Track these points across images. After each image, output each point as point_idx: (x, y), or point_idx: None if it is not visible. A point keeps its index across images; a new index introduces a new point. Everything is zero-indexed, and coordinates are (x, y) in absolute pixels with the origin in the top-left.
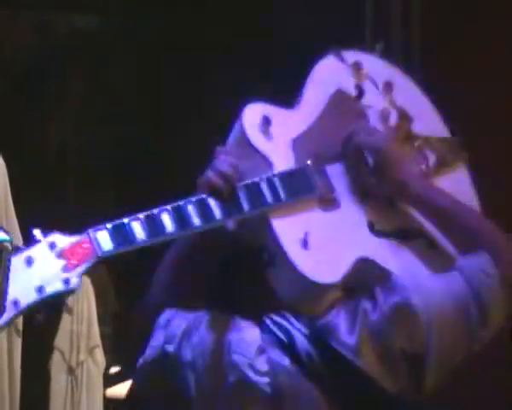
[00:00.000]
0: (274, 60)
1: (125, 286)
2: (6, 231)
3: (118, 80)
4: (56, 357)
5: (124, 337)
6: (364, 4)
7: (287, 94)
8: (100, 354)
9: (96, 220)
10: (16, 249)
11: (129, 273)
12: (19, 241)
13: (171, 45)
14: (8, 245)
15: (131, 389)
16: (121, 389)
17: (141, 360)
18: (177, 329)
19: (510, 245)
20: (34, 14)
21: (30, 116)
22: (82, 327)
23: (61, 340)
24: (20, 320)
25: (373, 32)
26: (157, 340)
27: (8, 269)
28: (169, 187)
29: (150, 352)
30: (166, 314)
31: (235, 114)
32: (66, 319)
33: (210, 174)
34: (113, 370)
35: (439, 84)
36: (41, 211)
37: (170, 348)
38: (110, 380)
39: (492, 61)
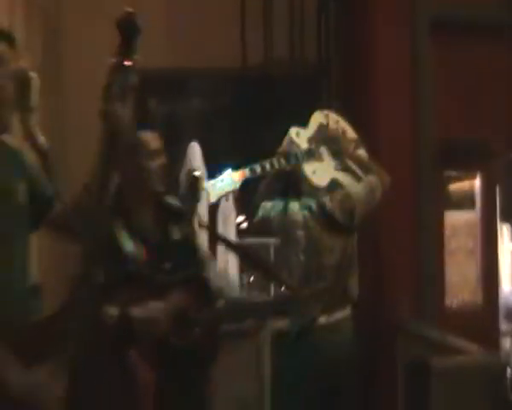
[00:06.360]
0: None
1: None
2: (197, 171)
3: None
4: None
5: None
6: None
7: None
8: None
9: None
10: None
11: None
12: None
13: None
14: (201, 177)
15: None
16: None
17: (253, 220)
18: (269, 210)
19: (386, 176)
20: None
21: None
22: None
23: None
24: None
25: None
26: (260, 213)
27: (200, 193)
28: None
29: (257, 217)
30: (264, 204)
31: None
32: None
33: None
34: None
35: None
36: None
37: (266, 214)
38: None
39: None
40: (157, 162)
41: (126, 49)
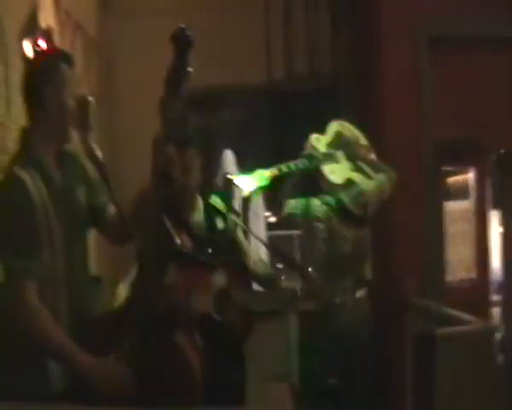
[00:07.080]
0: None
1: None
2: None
3: None
4: None
5: None
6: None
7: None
8: None
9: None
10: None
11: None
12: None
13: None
14: (235, 179)
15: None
16: None
17: (280, 215)
18: (293, 206)
19: (393, 174)
20: None
21: None
22: None
23: None
24: None
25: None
26: (286, 208)
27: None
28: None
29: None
30: (289, 201)
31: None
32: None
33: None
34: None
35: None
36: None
37: (291, 209)
38: None
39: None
40: (190, 180)
41: (180, 62)
